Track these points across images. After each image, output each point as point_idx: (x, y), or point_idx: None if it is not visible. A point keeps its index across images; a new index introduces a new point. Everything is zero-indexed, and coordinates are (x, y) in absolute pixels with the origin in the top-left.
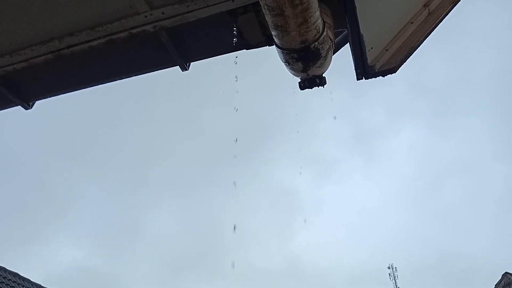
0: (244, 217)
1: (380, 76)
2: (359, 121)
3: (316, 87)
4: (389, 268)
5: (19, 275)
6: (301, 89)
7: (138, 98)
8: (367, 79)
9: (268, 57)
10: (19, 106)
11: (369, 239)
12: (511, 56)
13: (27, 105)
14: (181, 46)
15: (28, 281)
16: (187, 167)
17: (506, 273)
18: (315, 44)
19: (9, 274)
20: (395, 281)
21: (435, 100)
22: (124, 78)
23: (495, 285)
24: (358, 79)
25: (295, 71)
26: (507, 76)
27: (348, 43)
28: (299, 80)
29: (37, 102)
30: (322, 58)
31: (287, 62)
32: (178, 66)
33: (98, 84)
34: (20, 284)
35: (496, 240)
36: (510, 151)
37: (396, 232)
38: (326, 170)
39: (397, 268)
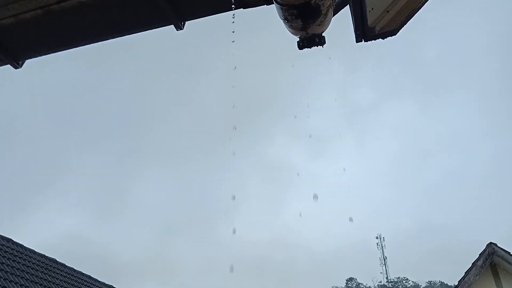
0: (236, 188)
1: (380, 39)
2: (353, 97)
3: (315, 46)
4: (377, 238)
5: (24, 246)
6: (299, 49)
7: (132, 62)
8: (367, 41)
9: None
10: (9, 65)
11: (358, 212)
12: (506, 32)
13: (17, 64)
14: (176, 4)
15: (33, 251)
16: (181, 135)
17: (491, 243)
18: (315, 0)
19: (12, 244)
20: (382, 250)
21: (426, 76)
22: (116, 37)
23: (479, 254)
24: (357, 41)
25: (294, 29)
26: (498, 53)
27: (348, 4)
28: (298, 40)
29: (29, 65)
30: (322, 15)
31: (286, 19)
32: (172, 26)
33: (89, 43)
34: (23, 253)
35: (482, 213)
36: (498, 128)
37: (384, 205)
38: (319, 145)
39: (385, 239)
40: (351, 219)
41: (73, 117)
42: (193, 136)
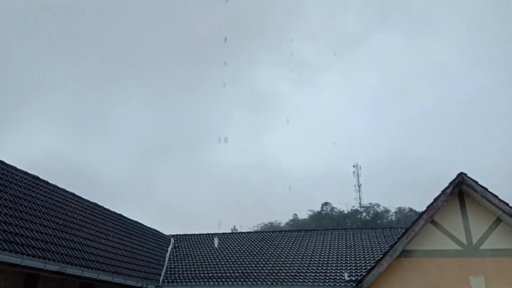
0: (220, 115)
1: None
2: (340, 26)
3: None
4: (354, 166)
5: (5, 162)
6: None
7: None
8: None
9: None
10: None
11: (337, 141)
12: None
13: None
14: None
15: (14, 168)
16: (165, 55)
17: (461, 173)
18: None
19: (1, 164)
20: (358, 178)
21: (414, 6)
22: None
23: (449, 183)
24: None
25: None
26: None
27: None
28: None
29: None
30: None
31: None
32: None
33: None
34: (5, 169)
35: (456, 147)
36: (482, 62)
37: (362, 135)
38: (304, 74)
39: (361, 167)
40: (334, 143)
41: (51, 30)
42: (178, 57)
